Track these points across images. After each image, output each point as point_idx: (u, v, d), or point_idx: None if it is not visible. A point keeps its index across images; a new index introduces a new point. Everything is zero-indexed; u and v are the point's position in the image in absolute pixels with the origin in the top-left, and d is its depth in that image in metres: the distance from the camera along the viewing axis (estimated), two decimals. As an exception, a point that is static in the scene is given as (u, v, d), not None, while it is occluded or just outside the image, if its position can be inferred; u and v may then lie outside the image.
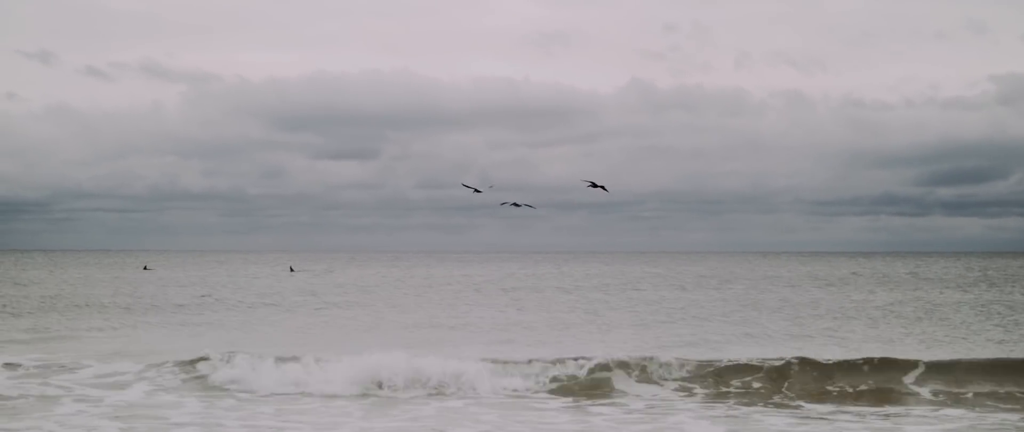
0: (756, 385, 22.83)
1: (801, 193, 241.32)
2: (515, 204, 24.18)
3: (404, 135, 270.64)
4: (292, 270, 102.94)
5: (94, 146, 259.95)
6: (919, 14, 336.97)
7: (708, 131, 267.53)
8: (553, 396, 22.03)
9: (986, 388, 22.25)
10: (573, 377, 22.91)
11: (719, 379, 23.02)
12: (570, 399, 21.67)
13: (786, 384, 22.84)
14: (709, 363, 23.89)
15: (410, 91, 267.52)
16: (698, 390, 22.57)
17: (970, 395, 21.86)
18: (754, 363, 23.79)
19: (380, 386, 22.34)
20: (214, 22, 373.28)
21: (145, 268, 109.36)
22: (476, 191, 23.95)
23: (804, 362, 23.71)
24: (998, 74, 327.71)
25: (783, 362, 23.66)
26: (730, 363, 23.82)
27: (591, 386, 22.69)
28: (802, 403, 21.46)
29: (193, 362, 24.50)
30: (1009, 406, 21.02)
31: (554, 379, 22.82)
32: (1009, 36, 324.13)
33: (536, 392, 22.27)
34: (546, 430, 18.68)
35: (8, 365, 24.68)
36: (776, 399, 21.92)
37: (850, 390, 22.56)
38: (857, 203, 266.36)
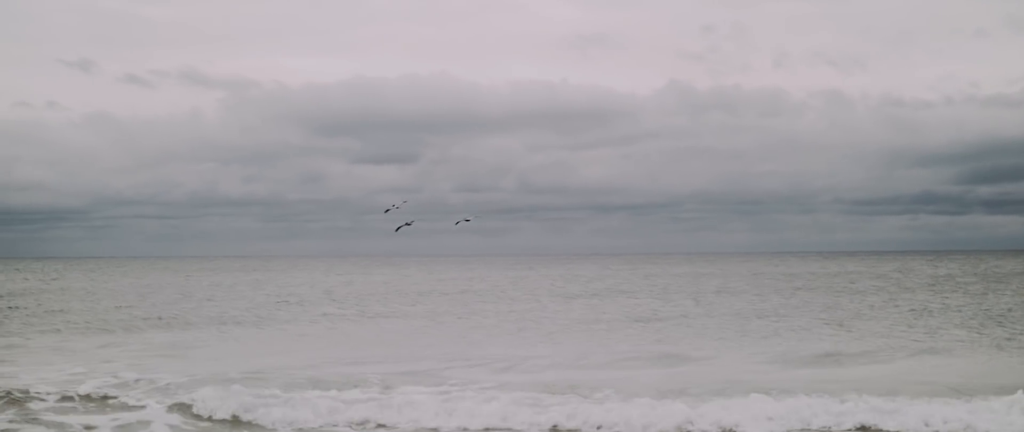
0: None
1: (840, 193, 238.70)
2: (466, 220, 24.89)
3: (443, 139, 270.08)
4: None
5: (134, 153, 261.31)
6: (959, 12, 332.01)
7: (747, 132, 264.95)
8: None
9: None
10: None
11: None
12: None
13: None
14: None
15: (448, 95, 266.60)
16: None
17: None
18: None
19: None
20: (252, 29, 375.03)
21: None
22: (466, 220, 24.67)
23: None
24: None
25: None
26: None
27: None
28: None
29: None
30: None
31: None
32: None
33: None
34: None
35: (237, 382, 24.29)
36: None
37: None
38: (896, 202, 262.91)
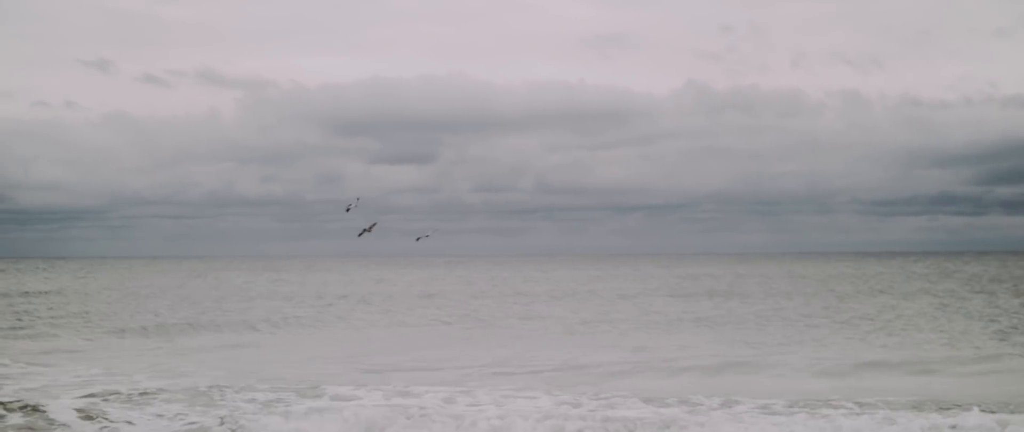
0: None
1: (858, 193, 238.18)
2: (427, 236, 24.22)
3: (460, 139, 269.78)
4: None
5: (151, 153, 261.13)
6: (977, 11, 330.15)
7: (764, 132, 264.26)
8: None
9: None
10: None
11: None
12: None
13: None
14: None
15: (466, 95, 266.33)
16: None
17: None
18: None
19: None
20: (270, 29, 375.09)
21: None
22: (426, 236, 23.98)
23: None
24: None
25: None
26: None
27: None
28: None
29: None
30: None
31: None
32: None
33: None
34: None
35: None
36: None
37: None
38: (914, 203, 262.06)
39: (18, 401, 22.09)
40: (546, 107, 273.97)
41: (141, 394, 23.04)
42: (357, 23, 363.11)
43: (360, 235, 22.67)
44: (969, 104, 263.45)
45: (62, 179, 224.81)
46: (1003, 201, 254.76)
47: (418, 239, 23.33)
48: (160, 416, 20.64)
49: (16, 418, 20.41)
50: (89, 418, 20.29)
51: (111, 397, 22.68)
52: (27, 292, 71.15)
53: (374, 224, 22.70)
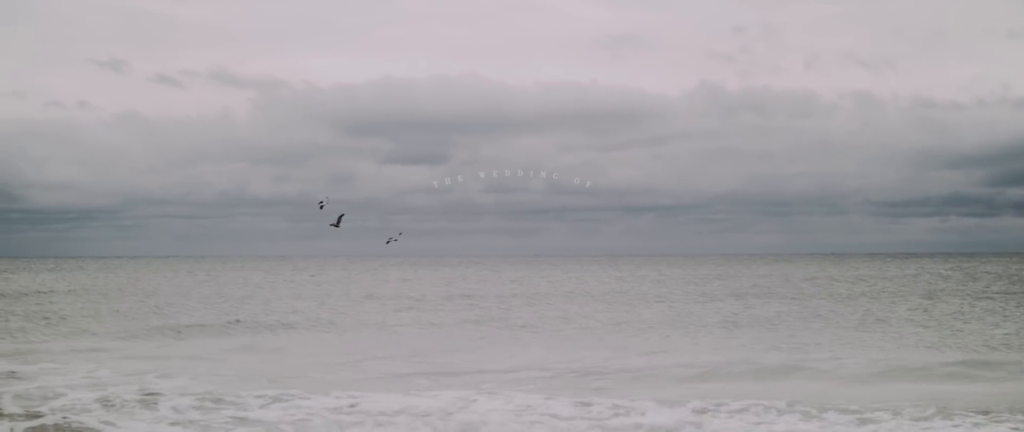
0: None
1: (870, 194, 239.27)
2: (395, 239, 25.82)
3: (472, 139, 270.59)
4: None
5: (164, 153, 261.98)
6: (991, 13, 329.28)
7: (777, 133, 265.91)
8: None
9: None
10: None
11: None
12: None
13: None
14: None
15: (478, 95, 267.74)
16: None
17: None
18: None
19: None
20: (282, 29, 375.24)
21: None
22: (393, 240, 25.57)
23: None
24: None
25: None
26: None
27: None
28: None
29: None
30: None
31: None
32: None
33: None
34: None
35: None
36: None
37: None
38: (926, 204, 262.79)
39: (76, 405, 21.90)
40: (558, 108, 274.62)
41: (215, 400, 22.70)
42: (369, 24, 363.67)
43: (333, 224, 24.69)
44: (982, 105, 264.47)
45: (75, 179, 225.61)
46: (1015, 202, 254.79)
47: (388, 241, 24.32)
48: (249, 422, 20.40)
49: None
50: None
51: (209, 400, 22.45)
52: (52, 291, 71.08)
53: (342, 216, 23.65)
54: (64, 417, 20.51)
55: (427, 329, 41.65)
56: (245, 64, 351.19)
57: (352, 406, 21.75)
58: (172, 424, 20.09)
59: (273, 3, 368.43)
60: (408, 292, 70.97)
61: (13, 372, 27.24)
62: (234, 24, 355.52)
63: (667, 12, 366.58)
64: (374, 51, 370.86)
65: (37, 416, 20.70)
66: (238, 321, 44.80)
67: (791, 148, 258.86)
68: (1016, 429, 19.04)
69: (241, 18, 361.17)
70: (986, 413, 20.55)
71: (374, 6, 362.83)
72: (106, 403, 22.09)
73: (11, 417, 20.77)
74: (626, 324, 43.06)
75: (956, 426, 19.57)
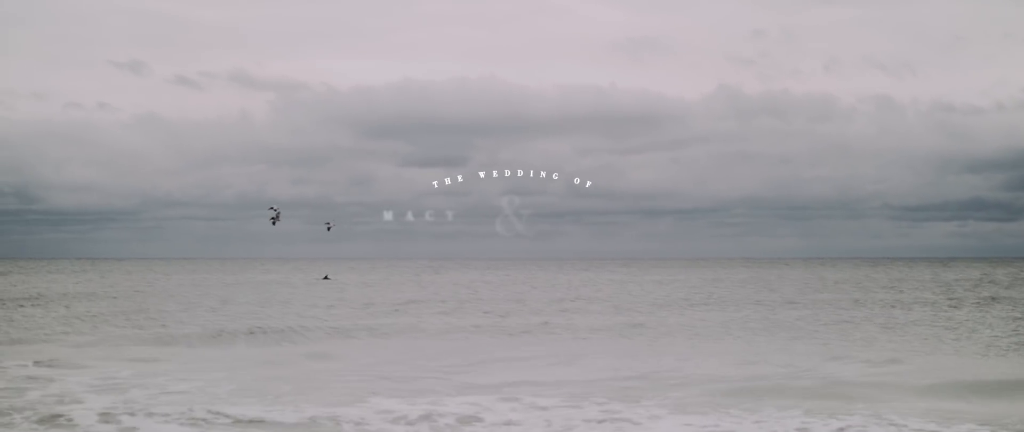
0: None
1: (889, 198, 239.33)
2: (329, 226, 27.35)
3: (491, 142, 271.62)
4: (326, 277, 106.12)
5: (183, 155, 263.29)
6: (1011, 17, 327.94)
7: (796, 137, 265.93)
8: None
9: None
10: None
11: None
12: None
13: None
14: None
15: (497, 98, 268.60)
16: None
17: None
18: None
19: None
20: (301, 31, 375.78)
21: (326, 278, 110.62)
22: (328, 227, 27.38)
23: None
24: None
25: None
26: None
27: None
28: None
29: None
30: None
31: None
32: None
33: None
34: None
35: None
36: None
37: None
38: (945, 208, 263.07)
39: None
40: (577, 111, 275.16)
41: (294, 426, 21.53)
42: (388, 26, 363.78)
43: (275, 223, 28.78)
44: (1001, 110, 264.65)
45: (94, 180, 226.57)
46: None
47: (329, 228, 27.75)
48: None
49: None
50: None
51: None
52: (93, 294, 70.31)
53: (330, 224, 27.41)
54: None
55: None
56: (264, 66, 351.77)
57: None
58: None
59: (292, 5, 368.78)
60: (498, 295, 69.94)
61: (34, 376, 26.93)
62: (253, 26, 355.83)
63: (686, 15, 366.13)
64: (393, 53, 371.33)
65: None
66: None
67: (810, 152, 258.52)
68: None
69: (260, 20, 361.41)
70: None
71: (393, 8, 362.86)
72: (194, 421, 21.08)
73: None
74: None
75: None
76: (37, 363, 29.94)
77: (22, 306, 58.15)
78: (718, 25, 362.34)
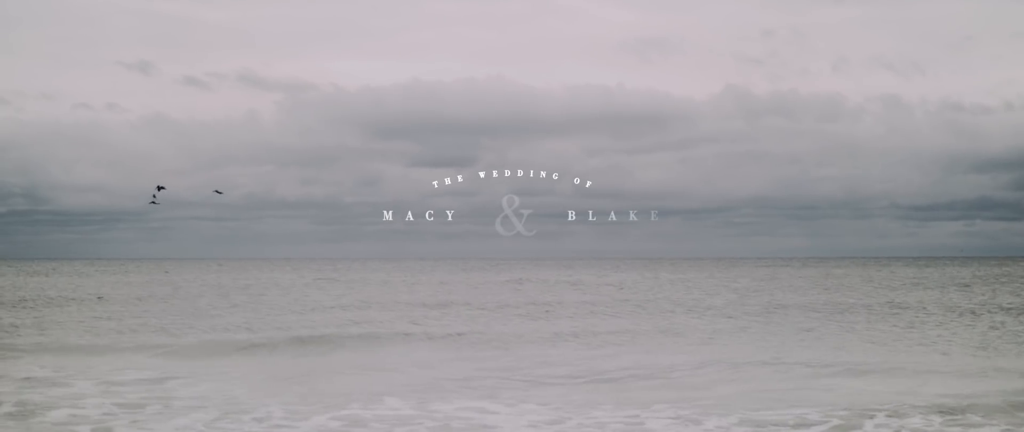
0: None
1: (897, 198, 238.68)
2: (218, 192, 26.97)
3: (500, 142, 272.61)
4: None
5: (191, 155, 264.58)
6: (1020, 16, 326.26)
7: (804, 136, 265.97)
8: None
9: None
10: None
11: None
12: None
13: None
14: None
15: (505, 99, 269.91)
16: None
17: None
18: None
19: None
20: (309, 32, 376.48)
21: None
22: (218, 193, 27.54)
23: None
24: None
25: None
26: None
27: None
28: None
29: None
30: None
31: None
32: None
33: None
34: None
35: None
36: None
37: None
38: (952, 208, 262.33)
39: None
40: (585, 111, 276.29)
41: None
42: (396, 26, 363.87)
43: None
44: (1010, 109, 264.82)
45: (103, 181, 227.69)
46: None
47: (152, 201, 31.45)
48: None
49: None
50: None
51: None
52: (105, 295, 69.57)
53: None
54: None
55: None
56: (272, 66, 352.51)
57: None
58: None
59: (299, 6, 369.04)
60: (541, 298, 68.92)
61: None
62: (260, 26, 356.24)
63: (694, 15, 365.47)
64: (401, 54, 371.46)
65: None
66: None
67: (818, 151, 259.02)
68: None
69: (268, 20, 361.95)
70: None
71: (401, 9, 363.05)
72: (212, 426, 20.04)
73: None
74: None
75: None
76: (46, 366, 29.20)
77: (36, 307, 57.45)
78: (726, 24, 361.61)
